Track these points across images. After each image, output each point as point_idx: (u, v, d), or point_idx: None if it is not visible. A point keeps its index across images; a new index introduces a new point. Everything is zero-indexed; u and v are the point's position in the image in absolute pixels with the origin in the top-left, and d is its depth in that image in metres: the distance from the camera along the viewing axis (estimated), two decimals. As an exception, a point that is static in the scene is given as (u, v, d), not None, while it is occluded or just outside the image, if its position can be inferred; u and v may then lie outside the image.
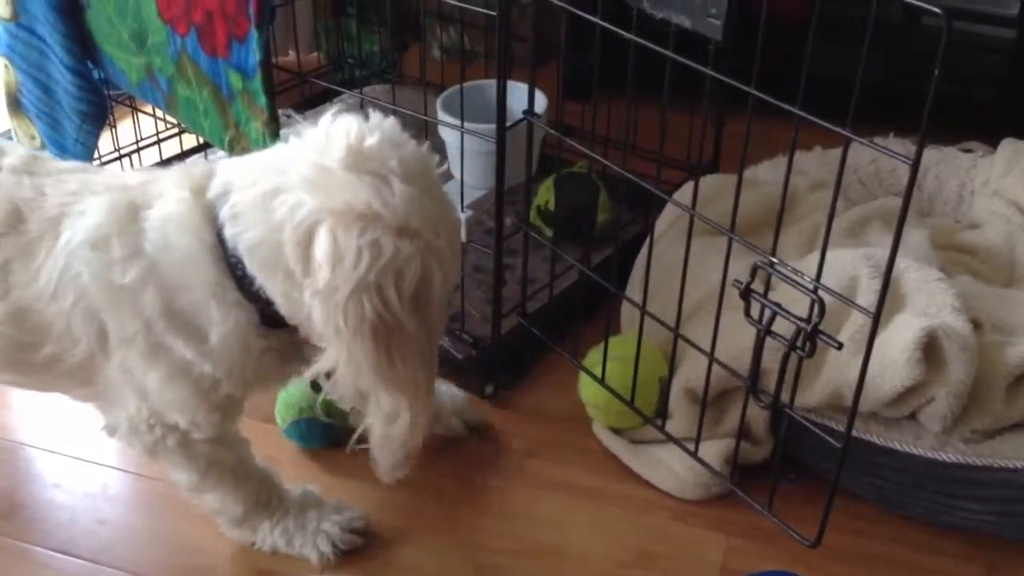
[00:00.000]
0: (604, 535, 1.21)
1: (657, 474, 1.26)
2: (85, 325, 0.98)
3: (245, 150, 1.27)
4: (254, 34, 1.20)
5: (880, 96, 1.45)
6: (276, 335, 0.99)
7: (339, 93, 1.74)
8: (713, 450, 1.21)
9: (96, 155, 1.61)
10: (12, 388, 1.40)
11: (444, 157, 1.03)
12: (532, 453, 1.32)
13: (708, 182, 1.40)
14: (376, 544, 1.19)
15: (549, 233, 1.49)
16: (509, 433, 1.35)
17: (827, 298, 0.96)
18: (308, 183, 0.88)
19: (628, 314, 1.41)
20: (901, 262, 1.24)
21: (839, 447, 1.02)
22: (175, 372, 0.98)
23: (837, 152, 1.53)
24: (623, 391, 1.26)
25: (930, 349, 1.13)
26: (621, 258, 1.37)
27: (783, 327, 1.00)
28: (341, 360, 0.90)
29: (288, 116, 1.00)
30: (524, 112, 1.26)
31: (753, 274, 1.02)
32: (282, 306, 0.94)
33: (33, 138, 1.56)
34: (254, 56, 1.22)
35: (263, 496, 1.14)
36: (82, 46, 1.44)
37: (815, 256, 1.01)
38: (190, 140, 1.81)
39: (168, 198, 0.97)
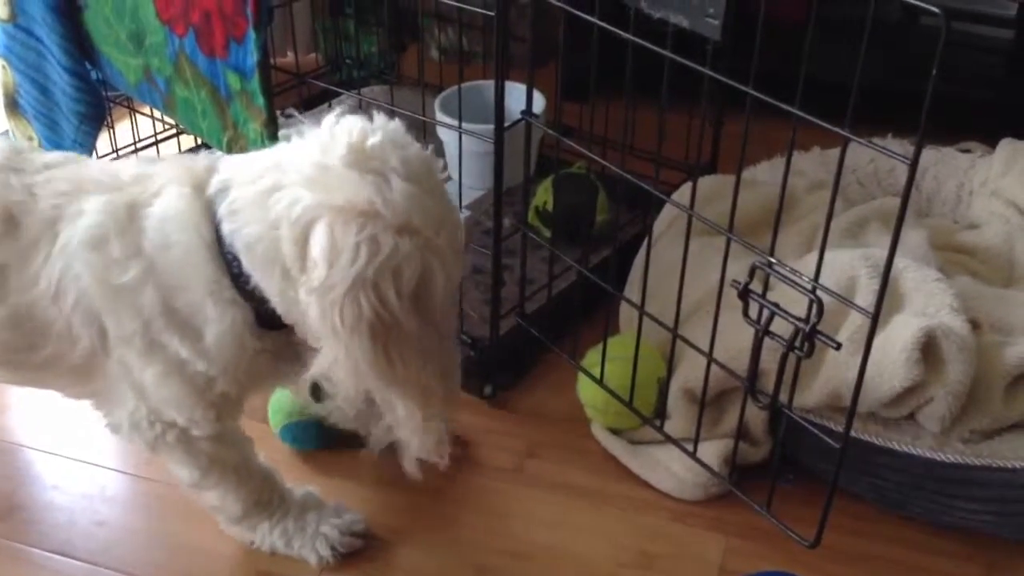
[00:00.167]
0: (603, 535, 1.21)
1: (656, 474, 1.26)
2: (86, 326, 0.98)
3: (243, 151, 1.27)
4: (252, 35, 1.20)
5: (878, 96, 1.45)
6: (271, 336, 0.99)
7: (337, 94, 1.74)
8: (712, 450, 1.21)
9: (94, 156, 1.61)
10: (11, 389, 1.40)
11: (442, 158, 1.03)
12: (531, 454, 1.32)
13: (706, 182, 1.40)
14: (375, 545, 1.19)
15: (547, 234, 1.49)
16: (508, 434, 1.35)
17: (825, 298, 0.96)
18: (307, 180, 0.88)
19: (627, 314, 1.41)
20: (900, 262, 1.24)
21: (838, 447, 1.02)
22: (170, 370, 0.98)
23: (835, 152, 1.52)
24: (622, 392, 1.26)
25: (929, 349, 1.13)
26: (619, 258, 1.37)
27: (782, 327, 1.00)
28: (338, 359, 0.90)
29: (290, 116, 1.00)
30: (522, 112, 1.26)
31: (751, 274, 1.02)
32: (278, 305, 0.94)
33: (31, 139, 1.56)
34: (252, 57, 1.22)
35: (264, 496, 1.14)
36: (80, 47, 1.44)
37: (813, 256, 1.01)
38: (188, 141, 1.81)
39: (169, 194, 0.96)
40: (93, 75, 1.48)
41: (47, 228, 0.97)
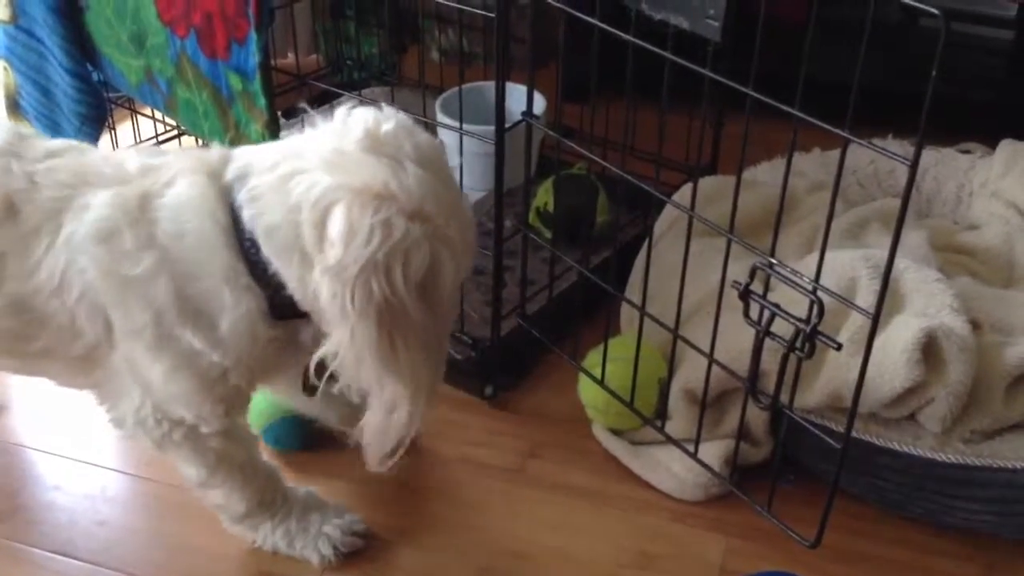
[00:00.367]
0: (604, 536, 1.21)
1: (657, 475, 1.26)
2: (91, 320, 0.97)
3: (244, 152, 1.27)
4: (253, 36, 1.21)
5: (878, 97, 1.45)
6: (281, 326, 0.99)
7: (338, 95, 1.74)
8: (712, 451, 1.22)
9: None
10: (12, 389, 1.40)
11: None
12: (532, 454, 1.32)
13: (707, 183, 1.40)
14: (377, 546, 1.19)
15: (548, 235, 1.50)
16: (509, 434, 1.35)
17: (826, 299, 0.97)
18: (327, 164, 0.89)
19: (627, 315, 1.42)
20: (900, 263, 1.24)
21: (838, 448, 1.02)
22: (180, 364, 0.98)
23: (836, 153, 1.52)
24: (623, 392, 1.26)
25: (929, 350, 1.13)
26: (620, 259, 1.37)
27: (782, 328, 1.00)
28: (344, 342, 0.89)
29: (303, 110, 1.01)
30: (523, 114, 1.26)
31: (752, 275, 1.02)
32: (296, 291, 0.93)
33: (32, 140, 1.56)
34: (253, 58, 1.22)
35: (267, 496, 1.14)
36: (81, 48, 1.44)
37: (814, 257, 1.01)
38: (189, 142, 1.81)
39: (182, 183, 0.96)
40: (94, 76, 1.49)
41: (49, 219, 0.97)
